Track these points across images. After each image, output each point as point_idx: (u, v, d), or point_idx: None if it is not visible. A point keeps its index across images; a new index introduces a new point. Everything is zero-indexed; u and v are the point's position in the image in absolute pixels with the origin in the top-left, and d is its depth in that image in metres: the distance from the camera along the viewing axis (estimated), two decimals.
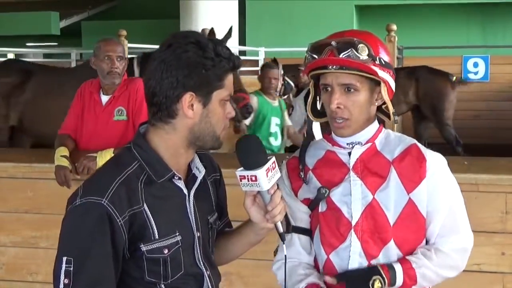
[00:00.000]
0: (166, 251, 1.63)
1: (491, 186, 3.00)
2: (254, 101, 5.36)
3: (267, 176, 1.62)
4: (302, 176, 1.87)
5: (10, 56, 12.54)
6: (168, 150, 1.66)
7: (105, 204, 1.55)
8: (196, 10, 9.63)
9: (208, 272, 1.72)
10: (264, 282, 2.81)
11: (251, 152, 1.64)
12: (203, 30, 7.34)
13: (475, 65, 10.55)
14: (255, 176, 1.61)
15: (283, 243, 1.70)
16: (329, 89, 1.80)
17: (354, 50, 1.74)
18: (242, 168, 1.64)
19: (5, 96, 5.72)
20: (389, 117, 1.87)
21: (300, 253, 1.87)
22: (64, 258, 1.53)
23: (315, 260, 1.90)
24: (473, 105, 10.59)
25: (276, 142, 5.50)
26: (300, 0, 12.60)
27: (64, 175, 3.31)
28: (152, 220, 1.61)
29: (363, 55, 1.74)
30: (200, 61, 1.59)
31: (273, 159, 1.64)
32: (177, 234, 1.65)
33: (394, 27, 6.71)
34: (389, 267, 1.77)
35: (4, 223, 3.64)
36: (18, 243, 3.60)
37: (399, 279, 1.77)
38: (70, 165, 3.34)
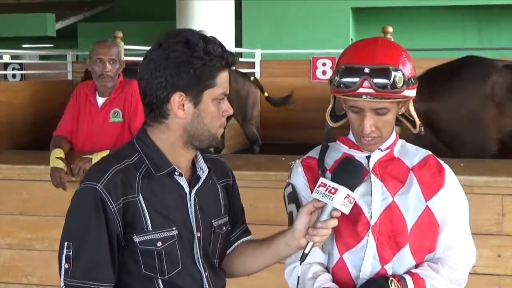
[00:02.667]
0: (159, 243, 1.61)
1: (487, 188, 3.00)
2: None
3: (344, 199, 1.64)
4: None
5: (6, 57, 12.48)
6: (167, 149, 1.66)
7: (99, 189, 1.57)
8: (192, 12, 9.62)
9: (206, 274, 1.70)
10: (259, 284, 2.81)
11: (350, 173, 1.69)
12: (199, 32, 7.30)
13: None
14: (336, 190, 1.64)
15: (300, 264, 1.69)
16: (358, 110, 1.77)
17: (389, 81, 1.69)
18: (330, 178, 1.68)
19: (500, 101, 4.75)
20: (412, 124, 1.87)
21: (315, 251, 1.81)
22: (65, 243, 1.58)
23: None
24: None
25: None
26: (296, 1, 12.61)
27: (59, 177, 3.29)
28: (146, 211, 1.60)
29: (399, 84, 1.70)
30: (188, 60, 1.57)
31: (357, 196, 1.68)
32: (174, 228, 1.63)
33: (390, 29, 6.69)
34: (400, 278, 1.75)
35: None
36: (14, 245, 3.58)
37: None
38: (65, 167, 3.33)
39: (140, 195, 1.60)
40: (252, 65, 10.62)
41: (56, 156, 3.37)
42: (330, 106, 1.89)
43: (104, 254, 1.57)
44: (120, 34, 7.10)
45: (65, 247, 1.57)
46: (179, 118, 1.62)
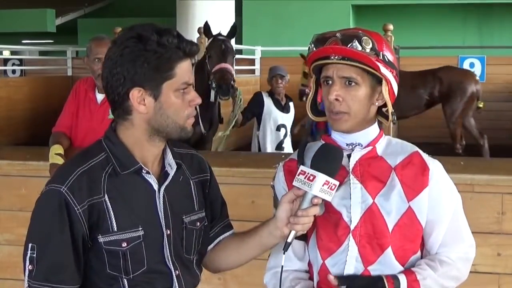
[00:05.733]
0: (124, 244, 1.62)
1: (487, 186, 3.00)
2: None
3: (323, 185, 1.63)
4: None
5: (6, 53, 12.48)
6: (134, 145, 1.66)
7: (63, 191, 1.58)
8: (193, 9, 9.61)
9: (177, 272, 1.70)
10: (258, 281, 2.80)
11: (328, 159, 1.67)
12: (199, 28, 7.31)
13: (471, 65, 10.53)
14: (314, 177, 1.63)
15: (284, 253, 1.69)
16: (329, 82, 1.77)
17: (358, 42, 1.71)
18: (310, 166, 1.67)
19: None
20: (387, 118, 1.83)
21: (291, 260, 1.83)
22: (29, 245, 1.58)
23: (310, 264, 1.85)
24: None
25: None
26: None
27: None
28: (111, 211, 1.61)
29: (367, 47, 1.72)
30: (141, 55, 1.58)
31: (337, 182, 1.66)
32: (140, 229, 1.64)
33: (391, 27, 6.68)
34: (394, 278, 1.73)
35: None
36: (12, 241, 3.57)
37: None
38: None
39: (106, 195, 1.61)
40: (252, 62, 10.63)
41: (55, 152, 3.36)
42: (311, 93, 1.88)
43: (67, 256, 1.58)
44: (120, 30, 7.07)
45: (29, 249, 1.58)
46: (141, 113, 1.63)
